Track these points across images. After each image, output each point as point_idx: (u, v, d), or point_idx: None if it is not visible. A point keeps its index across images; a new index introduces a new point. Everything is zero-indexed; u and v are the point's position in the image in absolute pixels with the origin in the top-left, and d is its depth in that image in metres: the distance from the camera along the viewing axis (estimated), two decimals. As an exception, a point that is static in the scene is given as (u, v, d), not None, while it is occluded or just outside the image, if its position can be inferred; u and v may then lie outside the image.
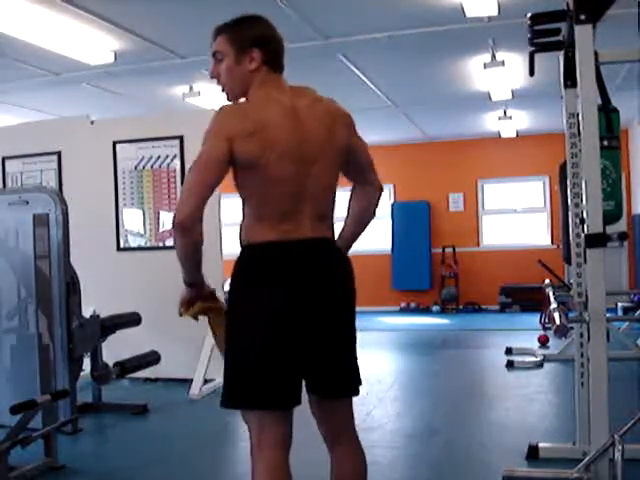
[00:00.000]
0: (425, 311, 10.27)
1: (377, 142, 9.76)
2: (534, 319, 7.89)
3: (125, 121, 5.87)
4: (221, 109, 1.86)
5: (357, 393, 1.97)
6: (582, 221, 2.52)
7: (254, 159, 1.79)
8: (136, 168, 5.60)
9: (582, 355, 3.07)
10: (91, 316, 3.99)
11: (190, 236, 1.87)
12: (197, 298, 1.95)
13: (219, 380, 5.25)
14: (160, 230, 5.58)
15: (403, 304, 10.43)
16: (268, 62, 1.92)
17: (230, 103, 1.95)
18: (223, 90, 1.99)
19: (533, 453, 3.22)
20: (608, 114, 2.70)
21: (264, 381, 1.80)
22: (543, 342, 6.63)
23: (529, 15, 2.92)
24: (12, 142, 5.80)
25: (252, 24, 1.96)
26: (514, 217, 10.57)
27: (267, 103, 1.86)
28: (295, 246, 1.85)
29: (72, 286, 3.73)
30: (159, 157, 5.53)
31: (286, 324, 1.81)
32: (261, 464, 1.84)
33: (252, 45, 1.91)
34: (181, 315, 2.01)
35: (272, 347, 1.80)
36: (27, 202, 3.76)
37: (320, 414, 1.98)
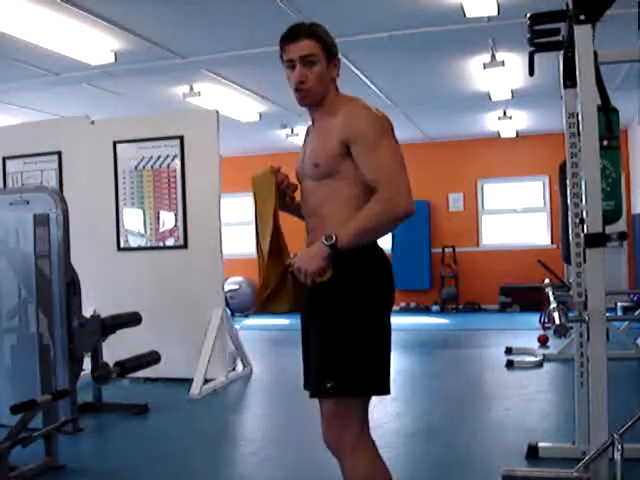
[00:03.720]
0: (425, 311, 10.28)
1: (377, 142, 9.76)
2: (534, 319, 7.91)
3: (125, 121, 5.88)
4: (375, 111, 1.99)
5: None
6: (582, 221, 2.53)
7: None
8: (136, 168, 5.60)
9: (582, 355, 3.07)
10: (91, 316, 3.99)
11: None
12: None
13: (219, 380, 5.26)
14: (160, 230, 5.58)
15: (403, 304, 10.44)
16: (338, 72, 2.07)
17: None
18: (303, 92, 2.02)
19: (533, 453, 3.23)
20: (608, 114, 2.70)
21: (384, 369, 2.00)
22: (543, 342, 6.63)
23: (529, 15, 2.92)
24: (13, 142, 5.81)
25: (329, 33, 2.05)
26: (514, 217, 10.57)
27: None
28: None
29: (72, 286, 3.73)
30: (159, 157, 5.54)
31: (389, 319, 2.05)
32: (368, 449, 1.97)
33: (336, 54, 2.05)
34: (312, 284, 1.93)
35: (389, 338, 2.03)
36: (27, 202, 3.76)
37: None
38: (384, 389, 2.00)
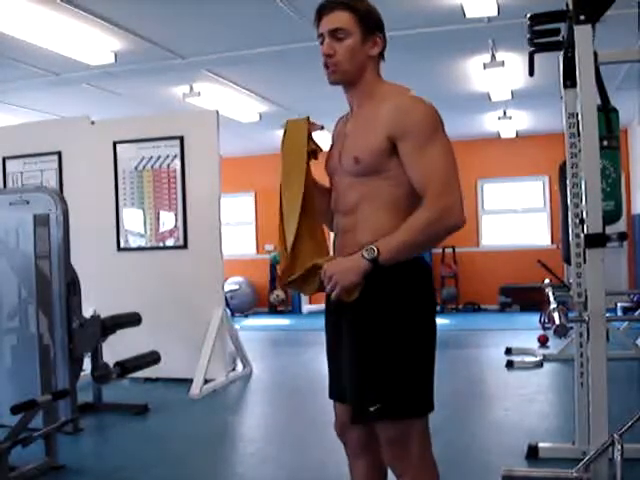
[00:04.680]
0: (425, 311, 10.27)
1: (377, 142, 9.76)
2: (534, 319, 7.90)
3: (125, 121, 5.88)
4: (428, 102, 1.79)
5: None
6: (582, 221, 2.53)
7: None
8: (136, 168, 5.60)
9: (582, 355, 3.07)
10: (92, 316, 4.00)
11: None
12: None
13: (219, 380, 5.26)
14: (160, 230, 5.58)
15: (403, 304, 10.42)
16: (382, 51, 1.87)
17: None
18: (331, 67, 1.84)
19: (533, 453, 3.23)
20: (607, 114, 2.70)
21: (431, 385, 1.85)
22: (543, 342, 6.63)
23: (529, 15, 2.92)
24: (13, 142, 5.81)
25: (372, 7, 1.85)
26: (514, 217, 10.57)
27: None
28: None
29: (72, 286, 3.73)
30: (159, 157, 5.54)
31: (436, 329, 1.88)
32: (430, 470, 1.86)
33: (377, 30, 1.84)
34: (337, 299, 1.76)
35: (434, 352, 1.85)
36: (28, 202, 3.76)
37: None
38: (432, 406, 1.85)
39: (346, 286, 1.71)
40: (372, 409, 1.76)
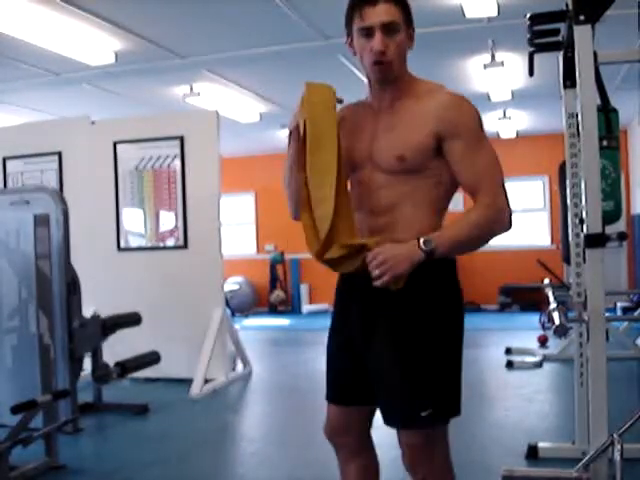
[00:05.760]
0: (425, 311, 10.26)
1: (377, 142, 9.75)
2: (534, 319, 7.90)
3: (126, 121, 5.89)
4: (468, 99, 1.72)
5: None
6: (581, 221, 2.53)
7: None
8: (137, 168, 5.61)
9: (581, 355, 3.08)
10: (92, 316, 4.00)
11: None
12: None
13: (219, 380, 5.26)
14: (160, 230, 5.58)
15: (403, 304, 10.42)
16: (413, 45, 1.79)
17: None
18: (381, 65, 1.72)
19: (532, 453, 3.23)
20: (607, 114, 2.70)
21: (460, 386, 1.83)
22: (542, 342, 6.63)
23: (528, 16, 2.92)
24: (13, 142, 5.82)
25: None
26: (514, 217, 10.54)
27: None
28: None
29: (72, 286, 3.73)
30: (159, 157, 5.54)
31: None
32: (452, 471, 1.83)
33: (413, 22, 1.75)
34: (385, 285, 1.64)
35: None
36: (28, 202, 3.76)
37: None
38: (460, 409, 1.81)
39: (398, 274, 1.61)
40: (424, 414, 1.70)
